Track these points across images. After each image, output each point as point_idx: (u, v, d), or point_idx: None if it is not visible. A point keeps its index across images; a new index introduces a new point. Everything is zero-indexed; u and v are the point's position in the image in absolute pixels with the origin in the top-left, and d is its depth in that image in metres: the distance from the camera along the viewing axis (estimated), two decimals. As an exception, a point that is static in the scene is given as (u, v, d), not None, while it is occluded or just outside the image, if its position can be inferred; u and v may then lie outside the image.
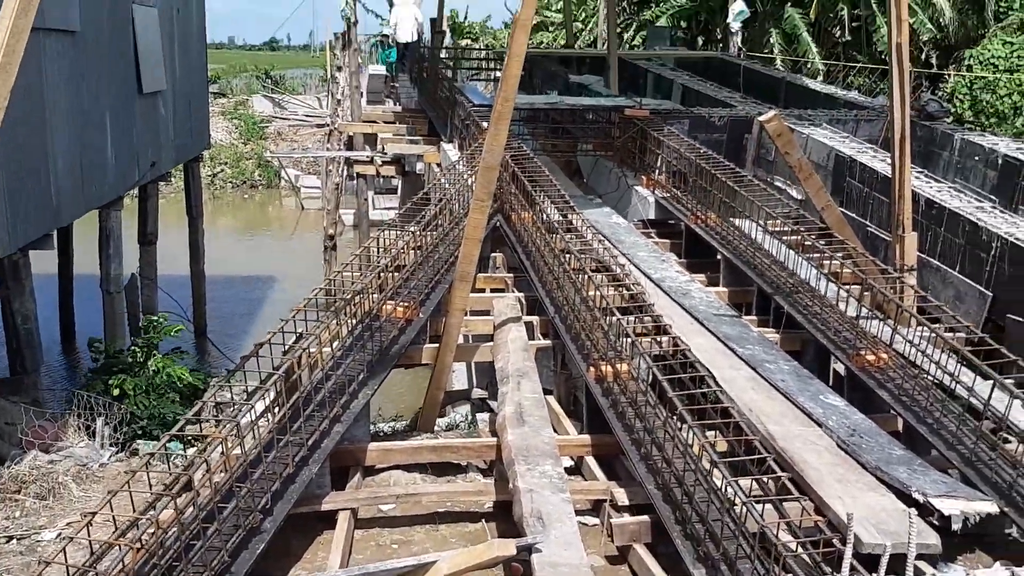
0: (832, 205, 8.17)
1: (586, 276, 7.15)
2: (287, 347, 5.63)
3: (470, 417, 7.98)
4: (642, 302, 6.91)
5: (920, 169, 10.87)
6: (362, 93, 20.21)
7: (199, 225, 16.81)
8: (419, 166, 14.11)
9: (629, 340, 6.21)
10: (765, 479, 5.01)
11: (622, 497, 5.77)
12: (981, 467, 5.91)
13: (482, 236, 6.91)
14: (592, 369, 6.57)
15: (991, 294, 8.42)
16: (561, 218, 8.65)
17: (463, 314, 7.20)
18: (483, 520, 5.75)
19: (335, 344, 6.16)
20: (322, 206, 31.62)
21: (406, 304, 7.19)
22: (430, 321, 7.62)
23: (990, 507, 5.40)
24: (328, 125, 30.79)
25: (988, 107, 19.10)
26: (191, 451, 6.10)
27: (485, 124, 11.48)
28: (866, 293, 7.27)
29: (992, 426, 6.14)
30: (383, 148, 15.65)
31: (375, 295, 6.95)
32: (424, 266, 8.00)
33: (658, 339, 6.41)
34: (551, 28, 48.18)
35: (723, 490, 4.84)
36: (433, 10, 23.07)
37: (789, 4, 26.91)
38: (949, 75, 23.65)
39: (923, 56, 27.88)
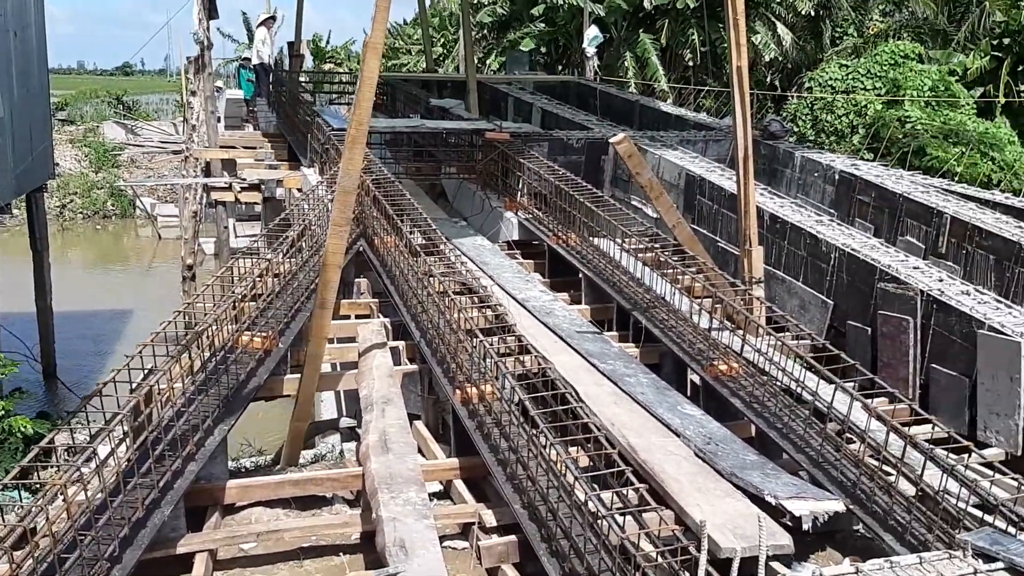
0: (682, 222, 8.50)
1: (449, 299, 7.16)
2: (135, 384, 5.37)
3: (338, 447, 7.83)
4: (505, 322, 6.98)
5: (764, 186, 11.46)
6: (219, 118, 19.63)
7: (44, 259, 15.86)
8: (279, 191, 13.81)
9: (493, 361, 6.25)
10: (625, 491, 5.12)
11: (490, 519, 5.78)
12: (828, 467, 6.24)
13: (342, 262, 6.81)
14: (458, 392, 6.57)
15: (832, 302, 8.94)
16: (425, 241, 8.63)
17: (325, 342, 7.07)
18: (349, 553, 5.63)
19: (187, 379, 5.92)
20: (179, 235, 30.62)
21: (264, 334, 6.99)
22: (291, 351, 7.44)
23: (837, 506, 5.70)
24: (184, 151, 29.92)
25: (828, 126, 20.32)
26: (28, 500, 5.71)
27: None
28: (717, 306, 7.57)
29: (837, 428, 6.50)
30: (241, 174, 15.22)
31: (231, 325, 6.74)
32: (283, 294, 7.81)
33: (521, 359, 6.48)
34: (413, 52, 48.33)
35: (585, 505, 4.91)
36: (291, 34, 22.69)
37: (642, 30, 27.92)
38: (792, 97, 25.06)
39: (767, 79, 29.52)
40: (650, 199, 8.26)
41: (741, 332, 7.37)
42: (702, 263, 8.25)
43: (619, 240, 9.27)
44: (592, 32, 22.35)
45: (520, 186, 11.51)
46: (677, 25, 27.86)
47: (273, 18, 21.60)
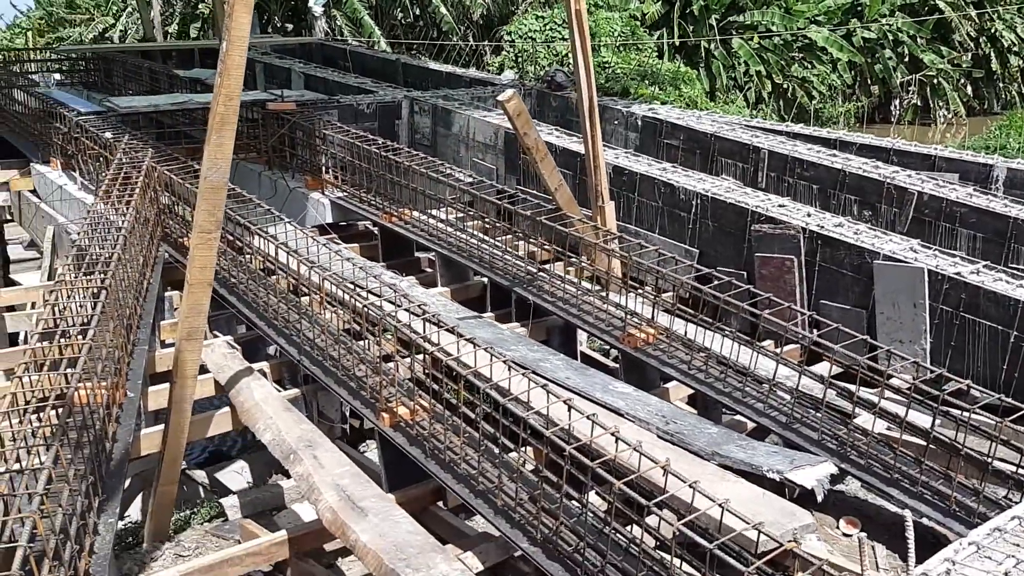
0: (564, 186, 7.83)
1: (334, 312, 5.94)
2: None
3: (208, 505, 6.33)
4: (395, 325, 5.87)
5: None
6: None
7: None
8: (2, 196, 11.16)
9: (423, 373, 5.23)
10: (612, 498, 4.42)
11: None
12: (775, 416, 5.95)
13: (212, 278, 5.32)
14: (385, 415, 5.44)
15: (697, 250, 8.75)
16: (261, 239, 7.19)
17: (195, 382, 5.55)
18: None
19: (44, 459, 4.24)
20: None
21: (106, 382, 5.33)
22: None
23: (830, 467, 5.40)
24: None
25: (531, 76, 20.64)
26: None
27: (109, 135, 9.35)
28: (618, 273, 7.02)
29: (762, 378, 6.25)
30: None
31: (68, 372, 5.01)
32: (103, 324, 6.06)
33: (437, 369, 5.46)
34: (78, 24, 42.81)
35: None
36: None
37: (349, -10, 26.75)
38: (499, 48, 25.30)
39: (471, 36, 29.64)
40: (535, 161, 7.46)
41: (654, 299, 6.87)
42: (581, 225, 7.63)
43: (467, 210, 8.40)
44: (319, -10, 20.77)
45: (324, 161, 10.15)
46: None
47: None
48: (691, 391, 6.82)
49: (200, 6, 29.71)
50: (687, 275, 7.11)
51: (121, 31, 32.48)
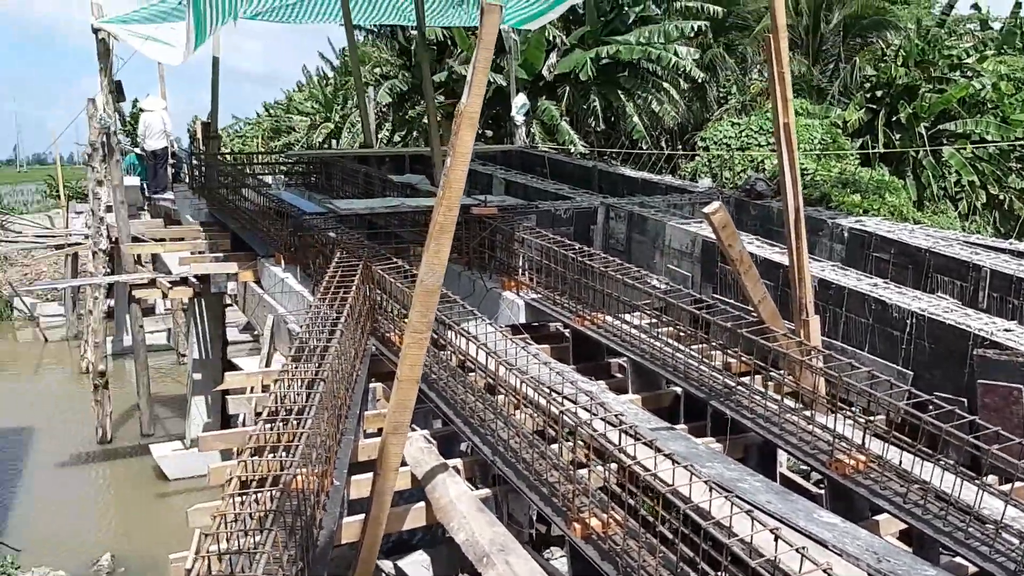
0: (768, 298, 7.64)
1: (528, 414, 5.99)
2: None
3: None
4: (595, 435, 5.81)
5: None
6: (109, 207, 17.83)
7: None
8: (231, 286, 12.23)
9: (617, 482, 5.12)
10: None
11: None
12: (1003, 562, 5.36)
13: (420, 376, 5.53)
14: (576, 525, 5.36)
15: (911, 372, 8.21)
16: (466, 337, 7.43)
17: (396, 476, 5.72)
18: None
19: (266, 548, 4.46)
20: (65, 336, 27.84)
21: (320, 469, 5.59)
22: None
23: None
24: (72, 245, 27.38)
25: (727, 184, 20.41)
26: None
27: (332, 235, 10.08)
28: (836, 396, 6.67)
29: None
30: (156, 267, 13.57)
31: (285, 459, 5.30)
32: (322, 411, 6.41)
33: (633, 482, 5.33)
34: (299, 129, 46.99)
35: None
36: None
37: (544, 97, 27.91)
38: (693, 155, 25.34)
39: (663, 142, 30.03)
40: (739, 273, 7.36)
41: (865, 422, 6.46)
42: (785, 340, 7.36)
43: (666, 317, 8.33)
44: (520, 100, 21.84)
45: (521, 264, 10.44)
46: (578, 92, 28.04)
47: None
48: (904, 526, 6.29)
49: (409, 113, 31.95)
50: (902, 399, 6.66)
51: (347, 138, 35.32)
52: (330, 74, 45.74)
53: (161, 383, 20.56)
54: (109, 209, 17.15)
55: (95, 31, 15.49)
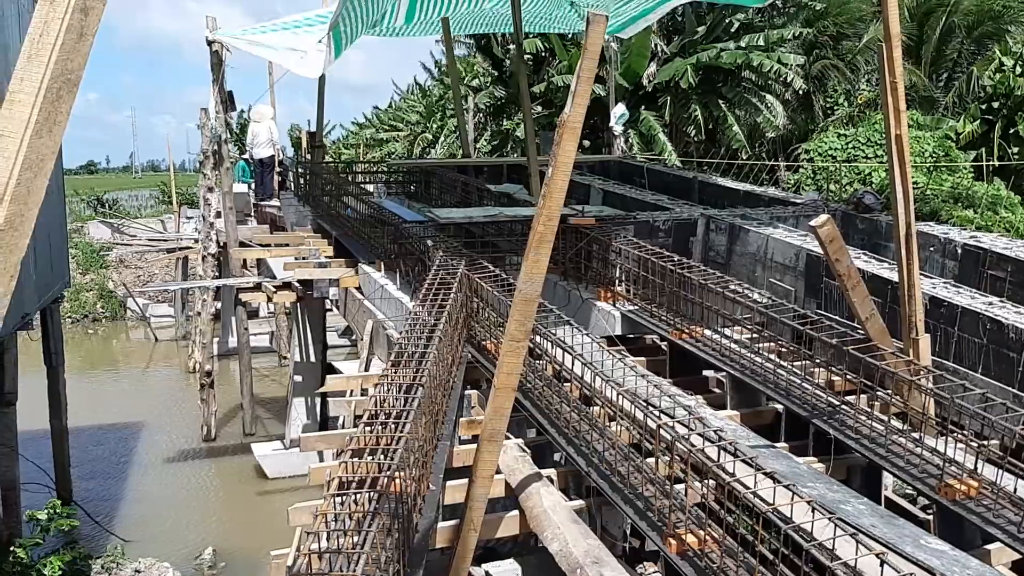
0: (876, 315, 7.39)
1: (625, 427, 5.93)
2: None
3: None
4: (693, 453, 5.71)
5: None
6: (219, 213, 18.51)
7: (60, 375, 14.29)
8: (332, 291, 12.56)
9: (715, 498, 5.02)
10: None
11: None
12: None
13: (516, 384, 5.54)
14: (672, 541, 5.27)
15: (1026, 395, 7.81)
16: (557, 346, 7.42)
17: (491, 483, 5.75)
18: None
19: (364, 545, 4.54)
20: (174, 336, 29.05)
21: (414, 475, 5.66)
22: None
23: None
24: (182, 249, 28.59)
25: (833, 196, 19.70)
26: None
27: (430, 243, 10.23)
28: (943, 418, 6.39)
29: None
30: (261, 271, 14.01)
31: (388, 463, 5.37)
32: (421, 416, 6.49)
33: (732, 500, 5.21)
34: (401, 138, 47.93)
35: None
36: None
37: (644, 107, 27.71)
38: (798, 167, 24.68)
39: (763, 152, 29.36)
40: (846, 288, 7.15)
41: (978, 447, 6.16)
42: (895, 360, 7.09)
43: (767, 332, 8.14)
44: (619, 109, 21.73)
45: (618, 275, 10.37)
46: (678, 102, 27.73)
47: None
48: (1018, 556, 5.98)
49: (506, 123, 32.22)
50: (1018, 424, 6.32)
51: (443, 148, 35.89)
52: (430, 83, 46.57)
53: (263, 384, 21.24)
54: (218, 215, 17.86)
55: (209, 43, 16.16)
